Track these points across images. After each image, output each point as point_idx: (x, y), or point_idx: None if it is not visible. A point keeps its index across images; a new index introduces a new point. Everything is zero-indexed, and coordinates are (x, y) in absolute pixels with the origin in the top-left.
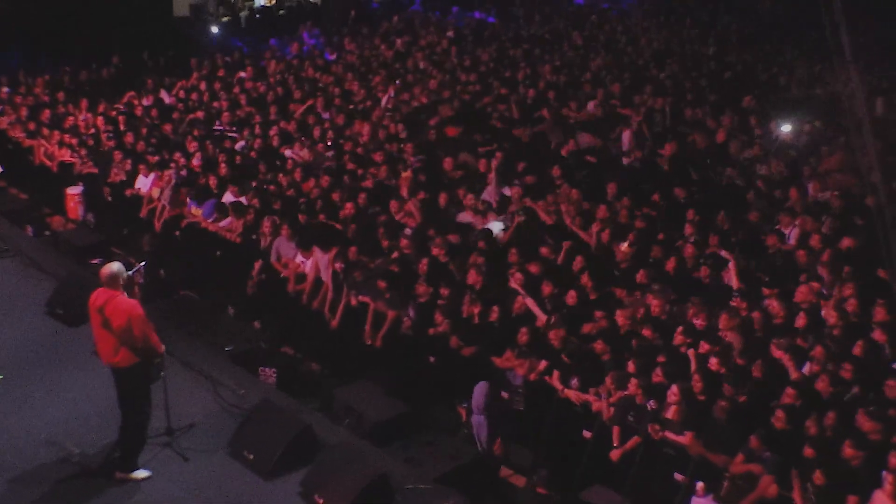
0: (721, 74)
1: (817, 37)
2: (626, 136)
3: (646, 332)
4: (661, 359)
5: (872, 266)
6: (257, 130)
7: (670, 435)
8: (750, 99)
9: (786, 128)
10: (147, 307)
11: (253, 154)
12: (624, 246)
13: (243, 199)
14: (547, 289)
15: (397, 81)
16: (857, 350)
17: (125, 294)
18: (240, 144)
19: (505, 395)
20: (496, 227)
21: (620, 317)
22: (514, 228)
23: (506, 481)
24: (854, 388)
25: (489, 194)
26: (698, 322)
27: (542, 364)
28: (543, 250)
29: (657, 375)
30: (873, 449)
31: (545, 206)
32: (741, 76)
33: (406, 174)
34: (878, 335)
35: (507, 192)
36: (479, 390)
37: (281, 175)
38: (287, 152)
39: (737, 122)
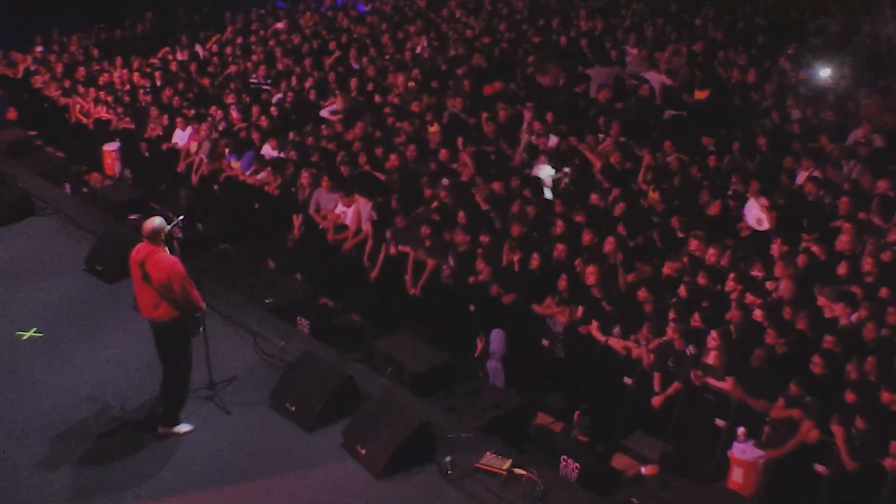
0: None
1: None
2: (657, 80)
3: (700, 280)
4: (703, 304)
5: None
6: (293, 83)
7: (711, 380)
8: (794, 46)
9: (825, 72)
10: (186, 262)
11: (287, 106)
12: (654, 194)
13: (282, 153)
14: (587, 237)
15: (430, 33)
16: None
17: (166, 249)
18: (276, 97)
19: (545, 342)
20: (545, 171)
21: (667, 267)
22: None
23: (545, 428)
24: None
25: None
26: (754, 271)
27: (580, 311)
28: (594, 197)
29: (696, 320)
30: None
31: (589, 148)
32: (777, 21)
33: (434, 128)
34: None
35: (552, 141)
36: (497, 338)
37: (324, 126)
38: (324, 112)
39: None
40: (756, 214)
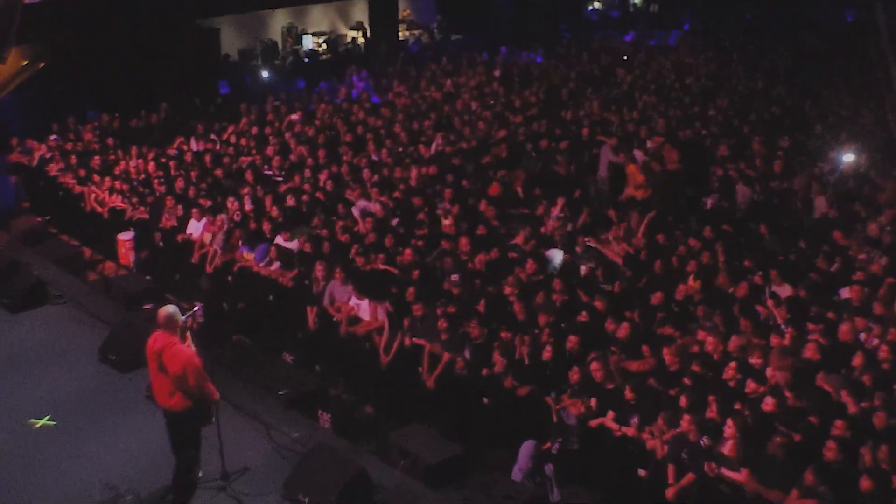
0: (769, 109)
1: (864, 69)
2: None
3: (695, 368)
4: (713, 395)
5: None
6: (307, 174)
7: (725, 471)
8: (820, 129)
9: (848, 157)
10: (201, 351)
11: (305, 198)
12: (691, 280)
13: (295, 243)
14: (610, 325)
15: (444, 131)
16: None
17: (181, 339)
18: (289, 188)
19: (554, 444)
20: (557, 257)
21: (668, 355)
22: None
23: None
24: None
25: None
26: (753, 360)
27: (594, 402)
28: (616, 286)
29: (710, 412)
30: None
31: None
32: (790, 111)
33: (447, 221)
34: None
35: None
36: (524, 451)
37: (335, 219)
38: (356, 208)
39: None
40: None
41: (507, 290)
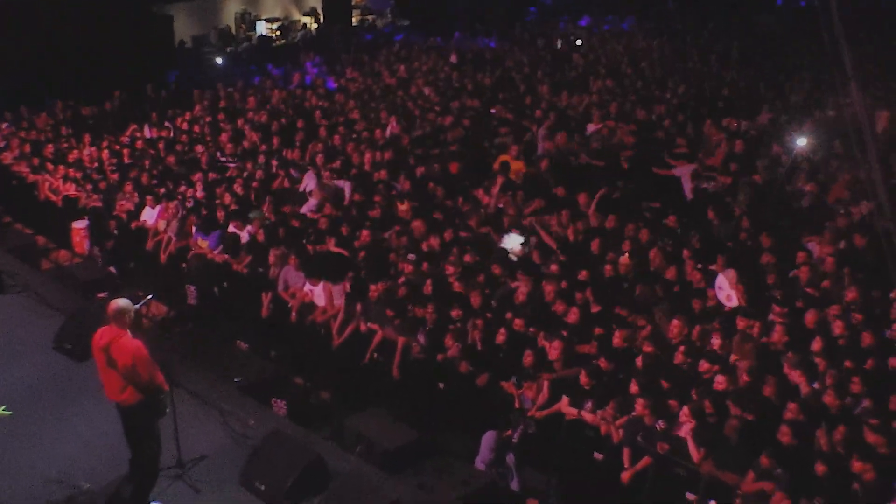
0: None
1: (818, 53)
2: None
3: (647, 349)
4: (665, 378)
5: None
6: (261, 160)
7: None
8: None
9: (801, 141)
10: (155, 340)
11: (255, 185)
12: (624, 258)
13: (248, 229)
14: (560, 307)
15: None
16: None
17: (129, 332)
18: (244, 175)
19: (515, 433)
20: (514, 241)
21: (617, 337)
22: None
23: None
24: (865, 402)
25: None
26: (715, 343)
27: (546, 386)
28: (553, 267)
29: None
30: (882, 462)
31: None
32: (745, 94)
33: (404, 206)
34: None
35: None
36: (485, 442)
37: (286, 205)
38: (307, 185)
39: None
40: (727, 291)
41: (450, 269)
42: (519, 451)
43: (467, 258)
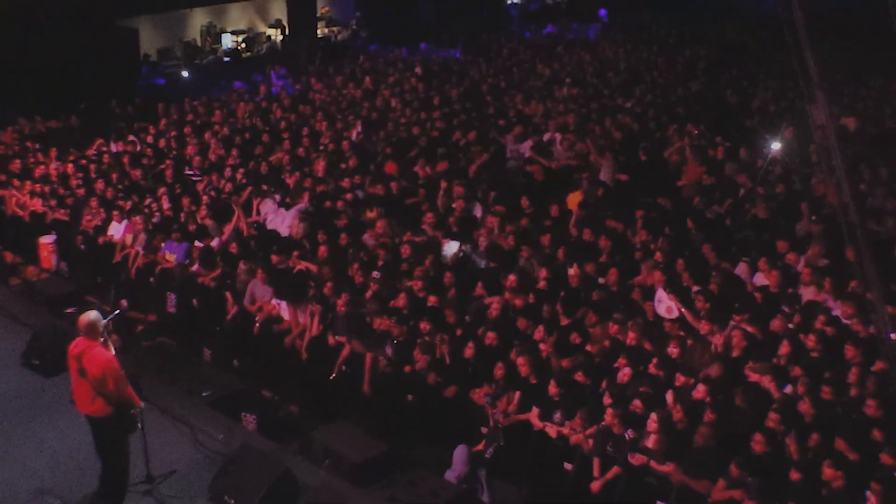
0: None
1: (784, 61)
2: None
3: (620, 362)
4: (641, 388)
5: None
6: (227, 173)
7: (652, 463)
8: (693, 127)
9: (775, 146)
10: (125, 354)
11: (224, 197)
12: (573, 270)
13: (216, 241)
14: (522, 323)
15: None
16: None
17: (102, 344)
18: (209, 188)
19: (484, 430)
20: (451, 248)
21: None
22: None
23: None
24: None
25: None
26: (673, 351)
27: (516, 397)
28: (511, 278)
29: (634, 405)
30: (853, 469)
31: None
32: (711, 102)
33: (372, 213)
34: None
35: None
36: (457, 457)
37: (254, 217)
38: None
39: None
40: (666, 304)
41: (417, 285)
42: (490, 464)
43: (427, 264)
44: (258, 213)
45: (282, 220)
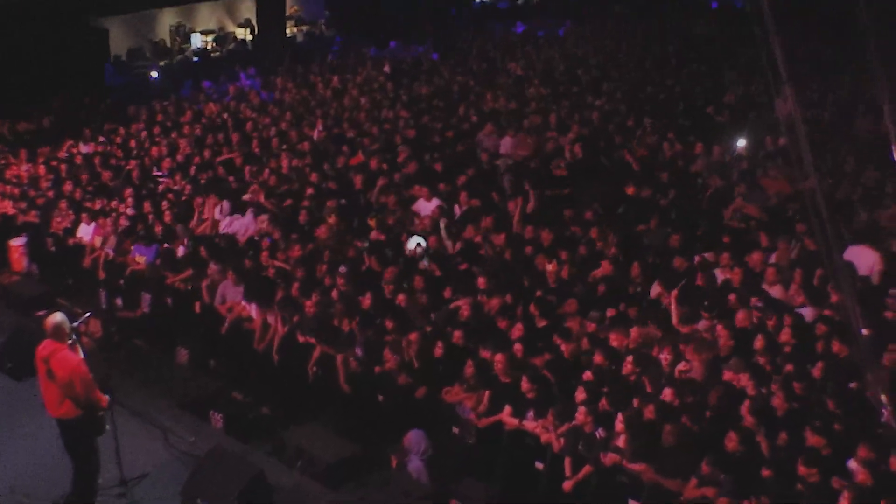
0: (657, 97)
1: (752, 56)
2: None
3: (597, 359)
4: (606, 387)
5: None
6: (192, 172)
7: (624, 462)
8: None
9: (741, 143)
10: (97, 356)
11: (184, 199)
12: (551, 266)
13: (185, 243)
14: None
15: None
16: (815, 370)
17: (70, 347)
18: (168, 190)
19: (456, 429)
20: (413, 242)
21: (566, 348)
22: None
23: None
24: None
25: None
26: (661, 355)
27: (486, 396)
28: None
29: (604, 403)
30: (826, 465)
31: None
32: (679, 97)
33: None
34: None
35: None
36: (417, 438)
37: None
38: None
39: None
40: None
41: (387, 289)
42: (459, 461)
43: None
44: (218, 213)
45: (240, 222)
